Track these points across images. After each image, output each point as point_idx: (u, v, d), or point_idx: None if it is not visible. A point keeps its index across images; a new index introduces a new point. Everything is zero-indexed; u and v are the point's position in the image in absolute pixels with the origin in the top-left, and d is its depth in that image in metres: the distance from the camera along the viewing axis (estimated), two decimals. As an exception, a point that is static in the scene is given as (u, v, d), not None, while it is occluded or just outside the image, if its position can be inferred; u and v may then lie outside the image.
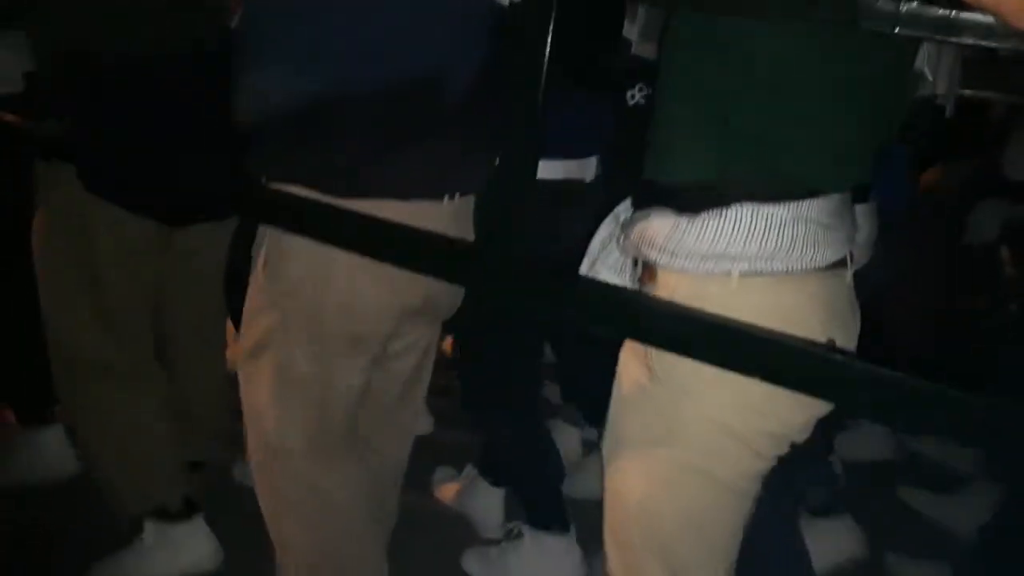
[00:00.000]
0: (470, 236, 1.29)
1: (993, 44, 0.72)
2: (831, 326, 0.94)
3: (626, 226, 1.05)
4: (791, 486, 1.54)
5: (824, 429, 1.85)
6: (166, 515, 1.76)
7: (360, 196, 1.15)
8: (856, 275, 1.25)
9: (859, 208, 1.34)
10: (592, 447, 2.34)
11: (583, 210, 1.63)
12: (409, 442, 1.56)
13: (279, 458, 1.33)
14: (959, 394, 0.72)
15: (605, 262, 1.14)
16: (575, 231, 1.30)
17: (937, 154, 2.35)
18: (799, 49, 0.87)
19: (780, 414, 0.96)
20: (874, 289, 1.64)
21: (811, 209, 0.92)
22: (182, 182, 1.32)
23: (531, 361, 1.86)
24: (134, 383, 1.68)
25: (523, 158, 0.96)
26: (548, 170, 1.60)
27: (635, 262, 1.08)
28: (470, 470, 2.18)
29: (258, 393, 1.31)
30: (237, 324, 2.41)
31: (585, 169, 1.67)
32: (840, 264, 0.97)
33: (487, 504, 2.09)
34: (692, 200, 0.94)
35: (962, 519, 2.04)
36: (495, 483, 2.09)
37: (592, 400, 2.18)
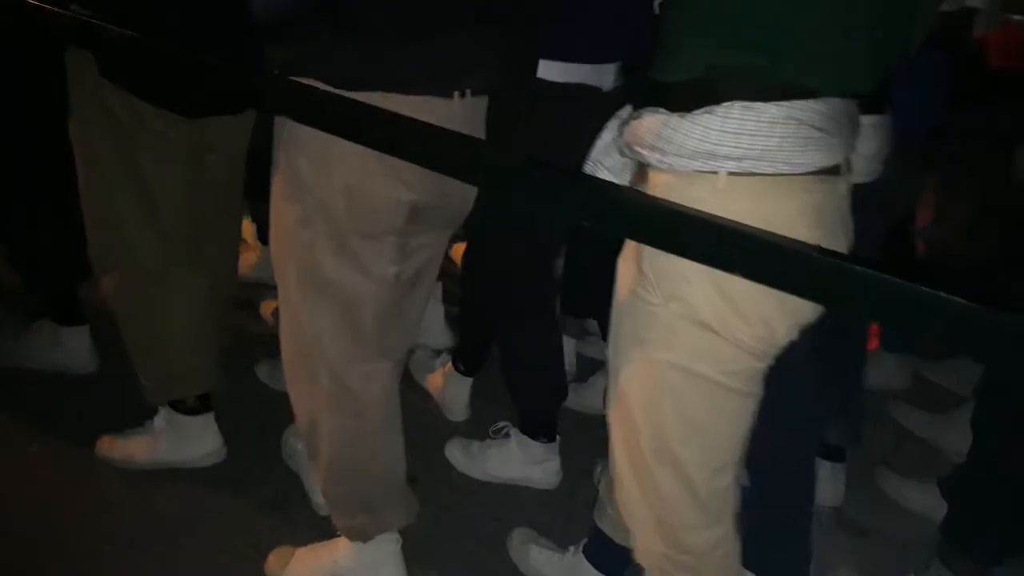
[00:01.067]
0: (480, 136, 1.30)
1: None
2: (819, 233, 0.94)
3: (624, 127, 1.06)
4: (812, 423, 1.58)
5: (852, 387, 1.89)
6: (181, 407, 1.84)
7: (367, 88, 1.17)
8: (865, 189, 1.26)
9: (869, 120, 1.34)
10: (586, 361, 2.41)
11: (598, 117, 1.63)
12: (414, 339, 1.61)
13: (312, 354, 1.38)
14: (949, 298, 0.72)
15: (604, 163, 1.16)
16: (588, 138, 1.30)
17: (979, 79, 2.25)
18: None
19: (764, 314, 0.98)
20: (886, 209, 1.64)
21: (804, 110, 0.91)
22: (198, 75, 1.34)
23: (542, 267, 1.88)
24: (167, 281, 1.74)
25: (525, 58, 0.96)
26: (562, 72, 1.61)
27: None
28: (445, 357, 2.25)
29: (289, 289, 1.36)
30: (257, 222, 2.46)
31: (603, 76, 1.65)
32: (833, 171, 0.97)
33: (454, 392, 2.19)
34: (685, 97, 0.94)
35: (954, 439, 2.06)
36: (465, 372, 2.17)
37: (590, 309, 2.22)
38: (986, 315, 0.71)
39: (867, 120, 1.28)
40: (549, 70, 1.59)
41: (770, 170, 0.92)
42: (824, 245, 0.94)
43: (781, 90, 0.91)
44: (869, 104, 1.34)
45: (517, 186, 0.94)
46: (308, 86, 1.15)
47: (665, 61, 0.99)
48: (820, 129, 0.93)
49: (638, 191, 1.02)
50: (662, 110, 0.97)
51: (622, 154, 1.10)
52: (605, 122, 1.20)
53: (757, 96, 0.91)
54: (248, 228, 2.51)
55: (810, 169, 0.93)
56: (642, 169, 1.06)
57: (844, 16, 0.90)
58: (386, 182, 1.24)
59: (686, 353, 1.01)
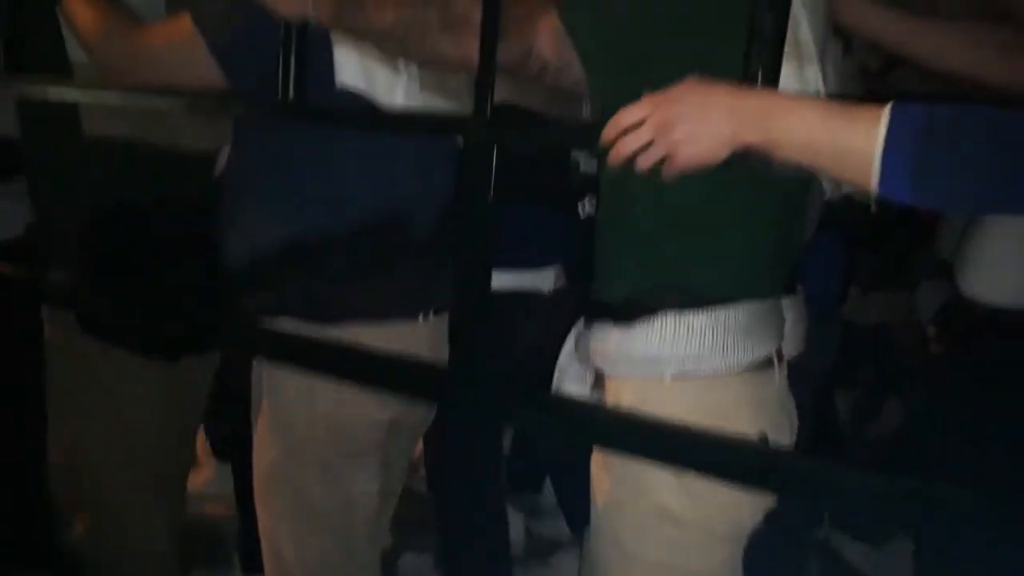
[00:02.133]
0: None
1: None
2: (761, 422, 1.05)
3: (579, 339, 1.19)
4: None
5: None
6: None
7: (340, 323, 1.28)
8: (795, 366, 1.39)
9: (786, 302, 1.49)
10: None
11: (539, 320, 1.76)
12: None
13: None
14: (886, 482, 0.81)
15: (569, 373, 1.27)
16: (531, 340, 1.42)
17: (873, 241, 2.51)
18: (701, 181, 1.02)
19: (727, 505, 1.06)
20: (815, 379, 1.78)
21: (728, 316, 1.05)
22: (176, 320, 1.44)
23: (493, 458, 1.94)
24: (133, 514, 1.72)
25: (476, 281, 1.08)
26: (504, 280, 1.76)
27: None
28: None
29: (275, 528, 1.39)
30: (215, 450, 2.48)
31: (542, 280, 1.81)
32: (767, 363, 1.09)
33: None
34: (626, 313, 1.08)
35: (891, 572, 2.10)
36: None
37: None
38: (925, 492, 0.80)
39: (785, 302, 1.44)
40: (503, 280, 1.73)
41: (708, 370, 1.04)
42: (768, 433, 1.05)
43: (704, 300, 1.04)
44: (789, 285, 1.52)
45: (478, 405, 1.04)
46: (282, 331, 1.25)
47: (603, 282, 1.13)
48: (747, 330, 1.06)
49: (586, 402, 1.13)
50: (610, 323, 1.10)
51: (581, 363, 1.21)
52: (550, 323, 1.33)
53: (685, 307, 1.04)
54: (201, 443, 2.52)
55: (744, 366, 1.05)
56: (599, 376, 1.17)
57: (749, 233, 1.06)
58: (365, 403, 1.32)
59: (662, 549, 1.07)
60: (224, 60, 1.20)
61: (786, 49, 0.95)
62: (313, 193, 1.28)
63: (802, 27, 0.98)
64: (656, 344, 1.05)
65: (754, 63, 0.88)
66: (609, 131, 0.86)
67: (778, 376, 1.11)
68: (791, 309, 1.59)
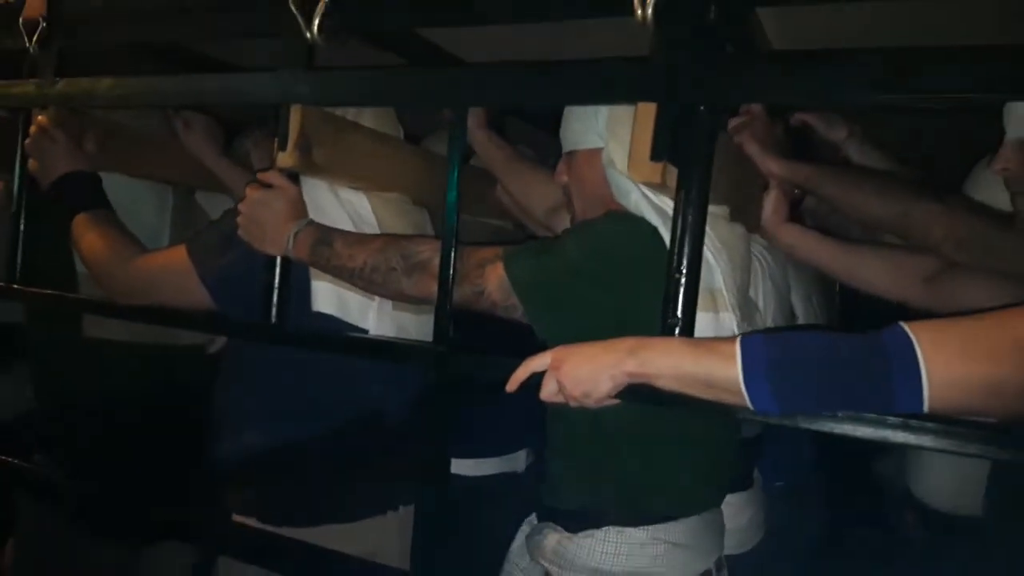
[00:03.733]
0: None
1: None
2: None
3: (529, 537, 1.27)
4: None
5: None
6: None
7: (311, 526, 1.36)
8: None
9: (734, 499, 1.57)
10: None
11: (516, 500, 1.83)
12: None
13: None
14: None
15: (520, 564, 1.34)
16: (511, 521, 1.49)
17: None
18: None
19: None
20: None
21: (667, 531, 1.14)
22: (153, 512, 1.52)
23: None
24: None
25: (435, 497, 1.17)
26: (482, 467, 1.85)
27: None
28: None
29: None
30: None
31: (515, 462, 1.90)
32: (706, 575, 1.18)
33: None
34: (572, 521, 1.17)
35: None
36: None
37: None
38: None
39: (733, 499, 1.53)
40: (463, 466, 1.82)
41: None
42: None
43: (645, 517, 1.14)
44: (734, 483, 1.61)
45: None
46: (250, 529, 1.33)
47: (551, 489, 1.23)
48: (684, 545, 1.15)
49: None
50: (559, 527, 1.19)
51: (532, 559, 1.28)
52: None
53: (627, 522, 1.14)
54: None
55: (684, 576, 1.14)
56: (547, 573, 1.24)
57: (683, 453, 1.17)
58: None
59: None
60: (212, 289, 1.34)
61: (703, 301, 1.09)
62: (290, 404, 1.38)
63: (716, 280, 1.12)
64: (599, 556, 1.13)
65: (670, 315, 1.02)
66: (519, 371, 1.01)
67: None
68: (747, 503, 1.68)
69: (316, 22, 1.24)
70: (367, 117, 1.47)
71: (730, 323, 1.11)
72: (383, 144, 1.46)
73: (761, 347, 0.88)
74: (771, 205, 1.44)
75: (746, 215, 1.46)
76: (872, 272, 1.39)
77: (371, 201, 1.45)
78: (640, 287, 1.07)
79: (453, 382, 1.17)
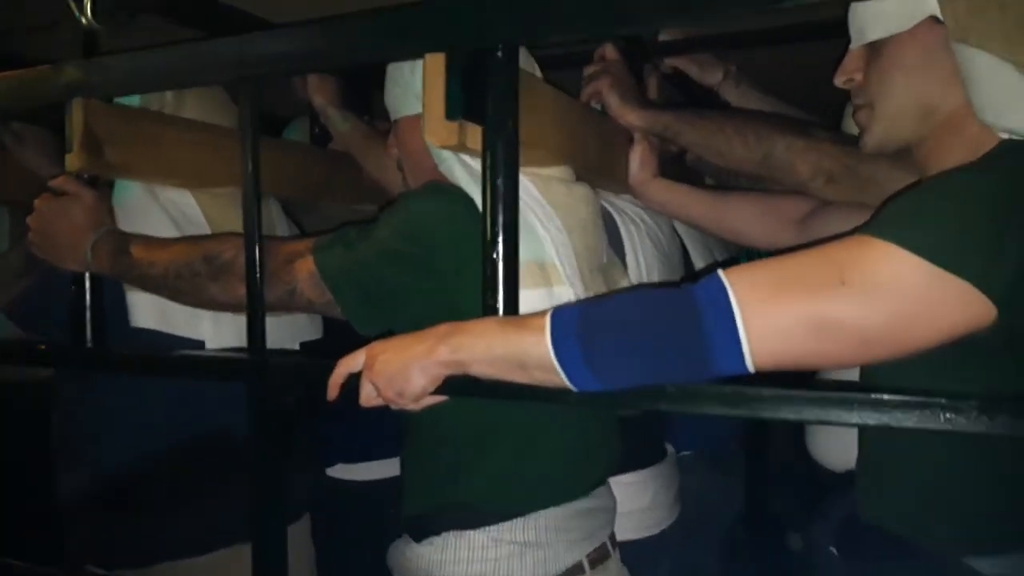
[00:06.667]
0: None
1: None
2: None
3: (390, 549, 1.16)
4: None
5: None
6: None
7: (156, 563, 1.23)
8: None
9: (632, 477, 1.46)
10: None
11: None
12: None
13: None
14: None
15: None
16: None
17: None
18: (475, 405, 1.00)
19: None
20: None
21: (512, 531, 1.03)
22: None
23: None
24: None
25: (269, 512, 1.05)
26: (373, 471, 1.73)
27: None
28: None
29: None
30: None
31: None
32: (576, 569, 1.07)
33: None
34: (416, 529, 1.08)
35: None
36: None
37: None
38: None
39: (630, 478, 1.42)
40: (354, 471, 1.70)
41: None
42: None
43: (488, 518, 1.03)
44: (642, 458, 1.50)
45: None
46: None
47: (404, 497, 1.12)
48: (536, 543, 1.03)
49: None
50: (408, 536, 1.10)
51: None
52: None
53: (466, 526, 1.03)
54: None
55: (539, 576, 1.03)
56: None
57: (537, 450, 1.06)
58: None
59: None
60: (21, 321, 1.20)
61: (532, 278, 0.97)
62: (122, 430, 1.25)
63: (547, 251, 1.00)
64: (437, 565, 1.04)
65: (489, 296, 0.89)
66: (334, 376, 0.89)
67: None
68: (649, 482, 1.56)
69: (88, 5, 1.10)
70: (189, 105, 1.33)
71: (569, 297, 0.99)
72: (204, 133, 1.31)
73: (571, 314, 0.76)
74: (636, 161, 1.33)
75: (614, 174, 1.34)
76: (743, 220, 1.28)
77: (198, 199, 1.31)
78: (463, 268, 0.95)
79: (275, 394, 1.04)
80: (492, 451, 1.05)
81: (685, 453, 1.73)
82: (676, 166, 1.50)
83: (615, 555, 1.18)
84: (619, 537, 1.24)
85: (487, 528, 1.03)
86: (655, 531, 1.46)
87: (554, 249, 0.99)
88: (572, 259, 1.01)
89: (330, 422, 1.69)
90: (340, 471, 1.73)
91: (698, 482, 1.70)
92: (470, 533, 1.03)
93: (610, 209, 1.33)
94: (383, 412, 1.65)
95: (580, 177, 1.15)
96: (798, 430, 1.70)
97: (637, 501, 1.42)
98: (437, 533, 1.05)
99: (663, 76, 1.59)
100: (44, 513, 1.34)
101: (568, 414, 1.09)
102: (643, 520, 1.43)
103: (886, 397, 0.69)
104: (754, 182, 1.46)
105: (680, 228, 1.55)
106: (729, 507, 1.86)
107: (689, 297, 0.72)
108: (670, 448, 1.65)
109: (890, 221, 0.73)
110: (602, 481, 1.19)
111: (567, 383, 0.76)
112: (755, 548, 1.98)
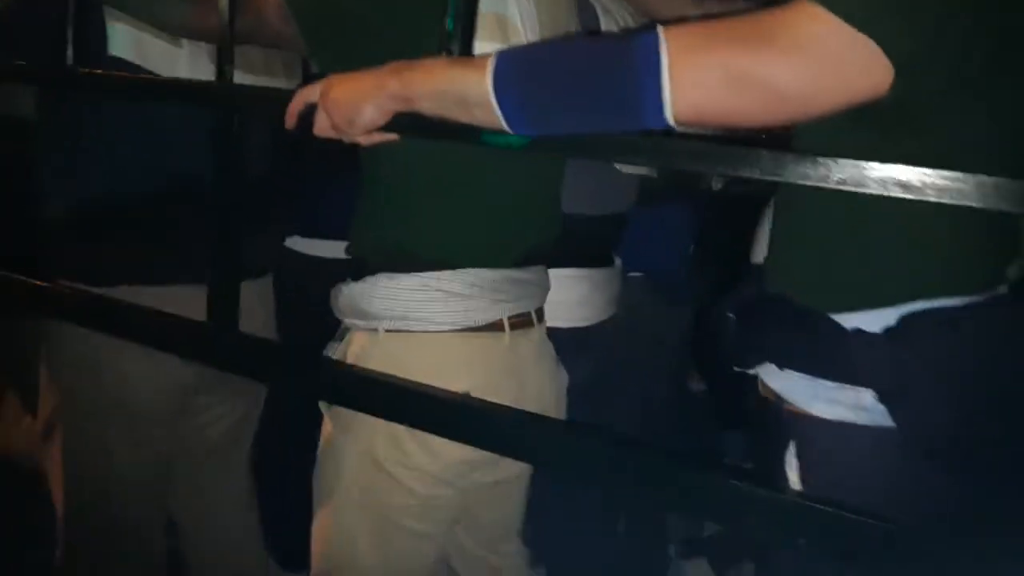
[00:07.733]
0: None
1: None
2: (470, 381, 1.09)
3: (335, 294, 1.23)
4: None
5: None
6: None
7: (122, 284, 1.32)
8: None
9: (569, 272, 1.55)
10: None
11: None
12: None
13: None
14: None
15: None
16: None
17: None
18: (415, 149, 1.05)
19: (425, 453, 1.12)
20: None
21: (440, 279, 1.11)
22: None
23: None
24: None
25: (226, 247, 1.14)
26: (330, 249, 1.80)
27: None
28: None
29: (54, 473, 1.44)
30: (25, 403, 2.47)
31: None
32: (494, 326, 1.14)
33: None
34: (355, 270, 1.16)
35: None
36: None
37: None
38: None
39: (568, 272, 1.51)
40: (319, 247, 1.78)
41: (417, 327, 1.11)
42: (477, 393, 1.07)
43: (416, 264, 1.12)
44: (584, 259, 1.58)
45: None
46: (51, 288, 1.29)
47: (350, 242, 1.20)
48: (460, 295, 1.12)
49: (326, 358, 1.18)
50: (348, 278, 1.18)
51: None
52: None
53: (397, 269, 1.12)
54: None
55: (456, 327, 1.12)
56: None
57: (466, 203, 1.13)
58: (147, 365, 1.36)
59: (357, 488, 1.13)
60: None
61: (490, 30, 1.02)
62: (96, 159, 1.31)
63: (509, 12, 1.04)
64: (367, 299, 1.13)
65: (447, 41, 0.95)
66: (293, 103, 0.96)
67: (508, 339, 1.16)
68: (606, 279, 1.65)
69: None
70: None
71: None
72: None
73: (516, 56, 0.82)
74: None
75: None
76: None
77: None
78: (425, 13, 0.99)
79: (232, 122, 1.08)
80: (435, 204, 1.12)
81: (634, 274, 1.83)
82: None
83: (540, 328, 1.25)
84: (548, 324, 1.31)
85: (419, 274, 1.11)
86: (581, 324, 1.57)
87: (517, 9, 1.04)
88: (536, 25, 1.06)
89: (290, 194, 1.74)
90: (297, 243, 1.80)
91: (639, 299, 1.80)
92: (401, 276, 1.11)
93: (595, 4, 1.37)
94: (342, 189, 1.71)
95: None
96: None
97: (569, 293, 1.51)
98: (372, 273, 1.13)
99: None
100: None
101: (513, 180, 1.15)
102: (572, 311, 1.53)
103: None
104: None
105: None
106: (671, 329, 1.96)
107: (626, 47, 0.77)
108: (618, 261, 1.74)
109: None
110: (537, 260, 1.25)
111: (504, 124, 0.83)
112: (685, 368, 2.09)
